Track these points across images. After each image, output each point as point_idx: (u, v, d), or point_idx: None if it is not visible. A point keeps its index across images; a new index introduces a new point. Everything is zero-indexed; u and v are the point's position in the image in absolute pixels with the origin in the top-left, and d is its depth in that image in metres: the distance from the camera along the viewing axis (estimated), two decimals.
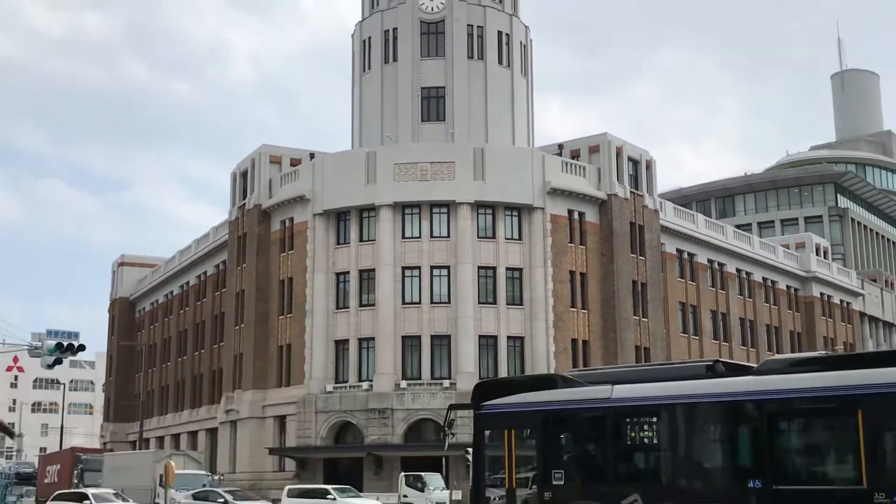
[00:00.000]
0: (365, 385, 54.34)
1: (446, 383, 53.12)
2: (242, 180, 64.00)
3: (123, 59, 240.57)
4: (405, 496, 45.58)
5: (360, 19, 66.36)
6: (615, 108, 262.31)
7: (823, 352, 22.47)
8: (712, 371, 17.66)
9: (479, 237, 55.46)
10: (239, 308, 62.62)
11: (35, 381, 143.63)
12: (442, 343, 54.54)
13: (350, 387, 54.88)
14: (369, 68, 64.13)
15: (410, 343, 54.69)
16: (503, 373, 53.07)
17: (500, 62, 63.27)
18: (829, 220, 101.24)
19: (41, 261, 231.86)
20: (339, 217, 57.51)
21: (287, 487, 46.60)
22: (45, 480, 65.37)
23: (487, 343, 54.71)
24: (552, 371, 50.80)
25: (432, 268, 55.20)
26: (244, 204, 62.79)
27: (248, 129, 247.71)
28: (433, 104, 61.77)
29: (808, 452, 16.40)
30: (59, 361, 39.53)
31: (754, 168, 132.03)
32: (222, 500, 44.17)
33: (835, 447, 16.07)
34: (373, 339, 54.86)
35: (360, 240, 56.44)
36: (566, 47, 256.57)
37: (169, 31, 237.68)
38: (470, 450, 19.71)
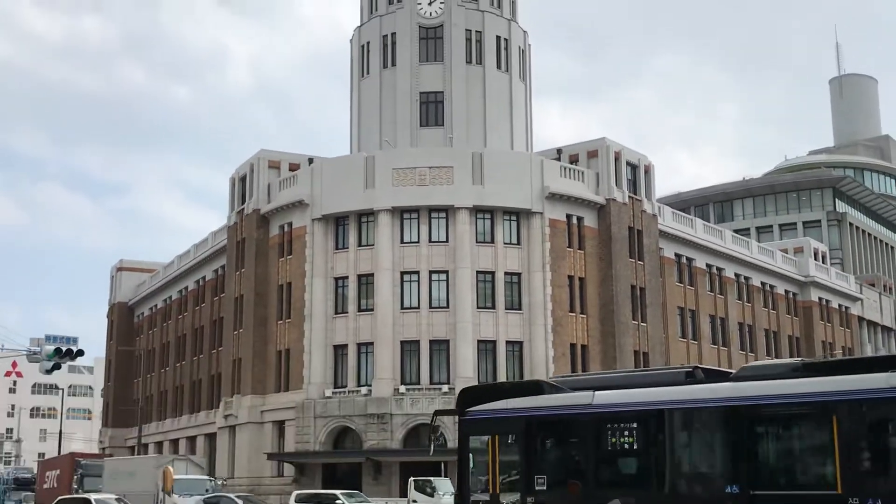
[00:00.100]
0: (364, 390, 54.33)
1: (445, 388, 53.08)
2: (241, 185, 64.03)
3: (122, 64, 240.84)
4: (415, 501, 45.47)
5: (359, 24, 66.43)
6: (614, 113, 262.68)
7: (799, 359, 22.84)
8: (691, 377, 17.92)
9: (477, 242, 55.48)
10: (238, 313, 62.61)
11: (34, 386, 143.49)
12: (441, 348, 54.53)
13: (349, 392, 54.87)
14: (368, 73, 64.20)
15: (409, 348, 54.68)
16: (502, 377, 53.08)
17: (499, 67, 63.35)
18: (828, 225, 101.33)
19: (40, 265, 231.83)
20: (337, 222, 57.52)
21: (295, 492, 46.58)
22: (45, 486, 65.29)
23: (486, 348, 54.72)
24: (551, 376, 50.78)
25: (431, 272, 55.21)
26: (243, 209, 62.81)
27: (246, 134, 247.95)
28: (432, 109, 61.81)
29: (784, 458, 16.62)
30: (57, 366, 39.59)
31: (753, 173, 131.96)
32: None
33: (810, 452, 16.30)
34: (371, 343, 54.85)
35: (359, 244, 56.46)
36: (565, 52, 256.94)
37: (167, 36, 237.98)
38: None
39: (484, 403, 19.70)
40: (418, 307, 54.85)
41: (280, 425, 58.16)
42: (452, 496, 45.02)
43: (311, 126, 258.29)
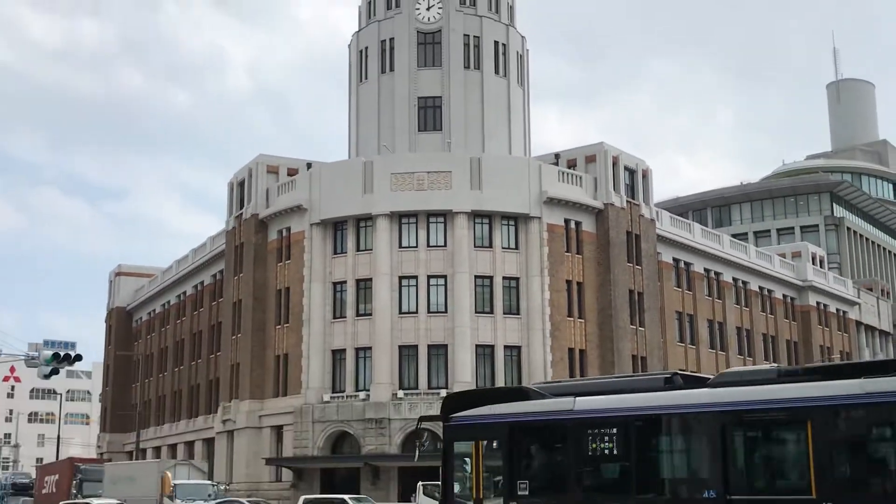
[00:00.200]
0: (362, 395, 54.33)
1: (443, 393, 52.98)
2: (239, 190, 64.06)
3: (120, 68, 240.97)
4: None
5: (357, 29, 66.52)
6: (612, 118, 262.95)
7: (776, 364, 23.20)
8: (670, 383, 18.13)
9: (475, 246, 55.52)
10: (236, 318, 62.62)
11: (31, 391, 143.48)
12: (439, 352, 54.55)
13: (347, 396, 54.87)
14: (366, 78, 64.28)
15: (407, 352, 54.70)
16: (500, 382, 53.07)
17: (497, 72, 63.43)
18: (825, 230, 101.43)
19: (37, 270, 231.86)
20: (335, 227, 57.56)
21: (303, 497, 46.57)
22: (43, 491, 65.21)
23: (484, 352, 54.74)
24: (549, 380, 50.80)
25: (429, 277, 55.25)
26: (241, 213, 62.85)
27: (244, 138, 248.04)
28: (430, 114, 61.88)
29: (760, 463, 16.83)
30: (55, 371, 39.54)
31: (750, 177, 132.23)
32: None
33: (786, 458, 16.61)
34: (370, 348, 54.86)
35: (357, 249, 56.49)
36: (563, 57, 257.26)
37: (165, 41, 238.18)
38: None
39: (468, 409, 19.87)
40: (416, 312, 54.87)
41: (278, 430, 58.14)
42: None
43: (310, 131, 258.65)
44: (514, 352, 55.20)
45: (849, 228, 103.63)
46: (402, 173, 55.80)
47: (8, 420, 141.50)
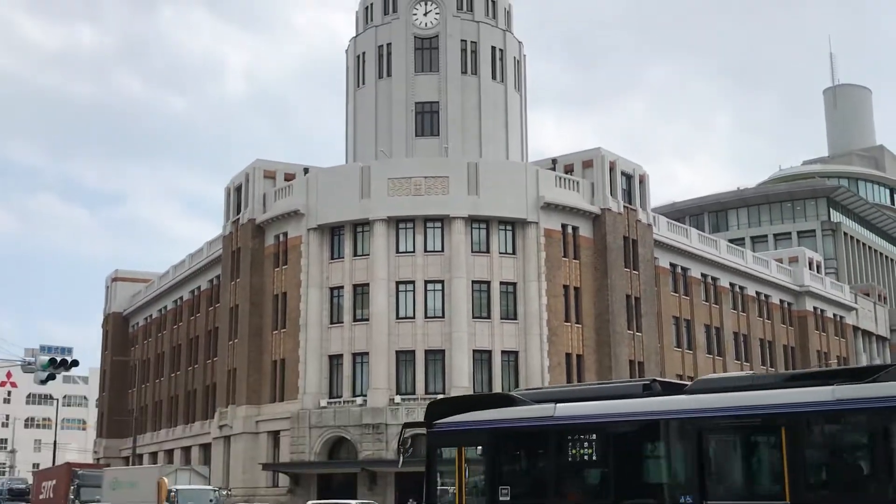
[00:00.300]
0: (359, 400, 54.27)
1: (440, 398, 52.95)
2: (236, 195, 64.04)
3: (118, 74, 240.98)
4: None
5: (354, 35, 66.56)
6: (609, 123, 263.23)
7: (751, 371, 23.49)
8: (648, 390, 18.36)
9: (472, 251, 55.51)
10: (233, 323, 62.55)
11: (28, 396, 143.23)
12: (436, 358, 54.51)
13: (344, 402, 54.81)
14: (363, 83, 64.31)
15: (404, 358, 54.65)
16: (497, 387, 53.03)
17: (494, 77, 63.48)
18: (822, 235, 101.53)
19: (34, 275, 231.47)
20: (333, 232, 57.55)
21: (309, 503, 46.49)
22: (41, 496, 65.10)
23: (482, 358, 54.70)
24: (546, 385, 50.81)
25: (426, 282, 55.22)
26: (238, 218, 62.81)
27: (242, 143, 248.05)
28: (427, 119, 61.91)
29: (735, 469, 17.09)
30: (52, 377, 39.41)
31: (747, 182, 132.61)
32: None
33: (760, 463, 16.80)
34: (367, 353, 54.81)
35: (355, 254, 56.46)
36: (560, 62, 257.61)
37: (163, 46, 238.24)
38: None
39: (451, 416, 20.08)
40: (414, 317, 54.84)
41: (275, 435, 58.04)
42: None
43: (307, 136, 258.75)
44: (511, 357, 55.17)
45: (846, 233, 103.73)
46: (399, 178, 55.80)
47: (4, 425, 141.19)
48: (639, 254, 61.06)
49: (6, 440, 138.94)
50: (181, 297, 78.41)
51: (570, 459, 18.47)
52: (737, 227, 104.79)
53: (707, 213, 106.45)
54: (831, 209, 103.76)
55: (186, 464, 65.97)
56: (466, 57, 62.72)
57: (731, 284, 74.55)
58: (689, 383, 18.91)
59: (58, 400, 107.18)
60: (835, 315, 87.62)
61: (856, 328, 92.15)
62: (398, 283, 55.33)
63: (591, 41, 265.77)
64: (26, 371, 40.65)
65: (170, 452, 75.61)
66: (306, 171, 60.58)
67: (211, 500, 47.45)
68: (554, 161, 61.56)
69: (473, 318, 54.78)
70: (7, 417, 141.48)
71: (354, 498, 50.79)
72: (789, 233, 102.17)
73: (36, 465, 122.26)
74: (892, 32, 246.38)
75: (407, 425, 22.37)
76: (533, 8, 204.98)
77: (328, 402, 55.16)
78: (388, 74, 62.85)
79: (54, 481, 63.53)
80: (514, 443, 19.50)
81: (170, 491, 47.57)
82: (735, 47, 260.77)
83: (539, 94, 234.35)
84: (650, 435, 17.91)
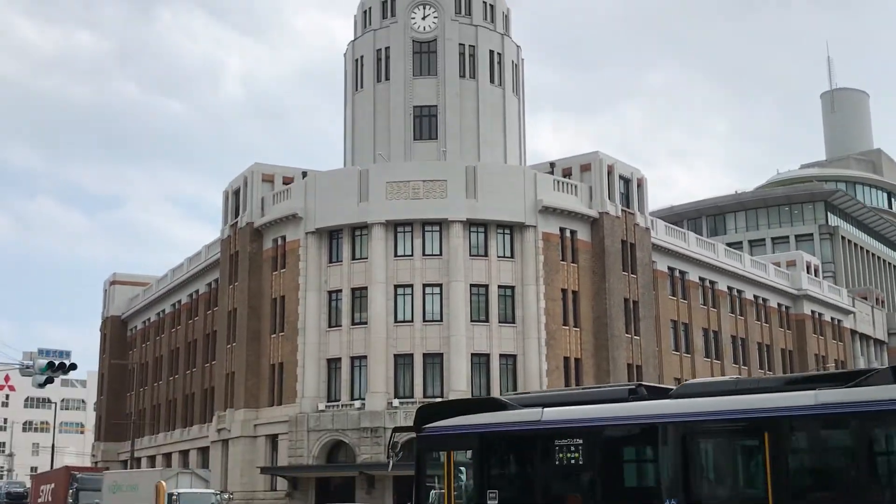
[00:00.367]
0: (357, 404, 54.26)
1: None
2: (235, 199, 64.04)
3: (115, 78, 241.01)
4: None
5: (353, 38, 66.63)
6: (607, 127, 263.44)
7: (736, 376, 23.75)
8: (634, 394, 18.63)
9: (471, 255, 55.53)
10: (231, 326, 62.54)
11: (26, 399, 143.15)
12: (434, 361, 54.51)
13: (342, 405, 54.79)
14: (362, 87, 64.36)
15: (403, 361, 54.65)
16: (496, 391, 53.05)
17: (492, 81, 63.55)
18: (820, 238, 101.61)
19: (32, 279, 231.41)
20: (331, 235, 57.56)
21: None
22: (39, 500, 65.06)
23: (480, 361, 54.70)
24: (544, 389, 50.82)
25: (424, 286, 55.23)
26: (236, 222, 62.82)
27: (240, 147, 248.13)
28: (425, 123, 61.96)
29: (719, 472, 17.34)
30: (50, 380, 39.41)
31: (745, 186, 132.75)
32: None
33: (743, 466, 17.06)
34: (365, 357, 54.80)
35: (353, 258, 56.46)
36: (558, 67, 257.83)
37: (161, 50, 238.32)
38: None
39: (440, 420, 20.32)
40: (412, 321, 54.85)
41: (273, 439, 58.03)
42: None
43: (305, 140, 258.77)
44: (509, 360, 55.18)
45: (843, 237, 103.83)
46: (397, 182, 55.83)
47: (2, 429, 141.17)
48: (637, 257, 61.11)
49: (4, 444, 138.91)
50: (179, 301, 78.39)
51: (557, 463, 18.57)
52: (735, 230, 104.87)
53: (705, 217, 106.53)
54: (829, 213, 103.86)
55: (185, 467, 65.92)
56: (465, 61, 62.79)
57: (729, 288, 74.61)
58: (673, 388, 19.14)
59: (56, 403, 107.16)
60: (832, 318, 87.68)
61: (853, 332, 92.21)
62: (396, 286, 55.33)
63: (590, 46, 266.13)
64: (24, 374, 40.64)
65: (168, 456, 75.56)
66: (304, 174, 60.58)
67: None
68: (552, 165, 61.60)
69: (471, 321, 54.80)
70: (5, 421, 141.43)
71: (353, 501, 50.83)
72: (787, 236, 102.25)
73: (34, 469, 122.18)
74: (889, 37, 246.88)
75: (397, 429, 22.83)
76: (531, 12, 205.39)
77: (326, 406, 55.15)
78: (387, 78, 62.92)
79: (53, 485, 63.51)
80: (501, 447, 19.70)
81: (171, 494, 47.51)
82: (733, 52, 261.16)
83: (537, 98, 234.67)
84: (636, 439, 18.15)
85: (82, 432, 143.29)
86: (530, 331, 55.26)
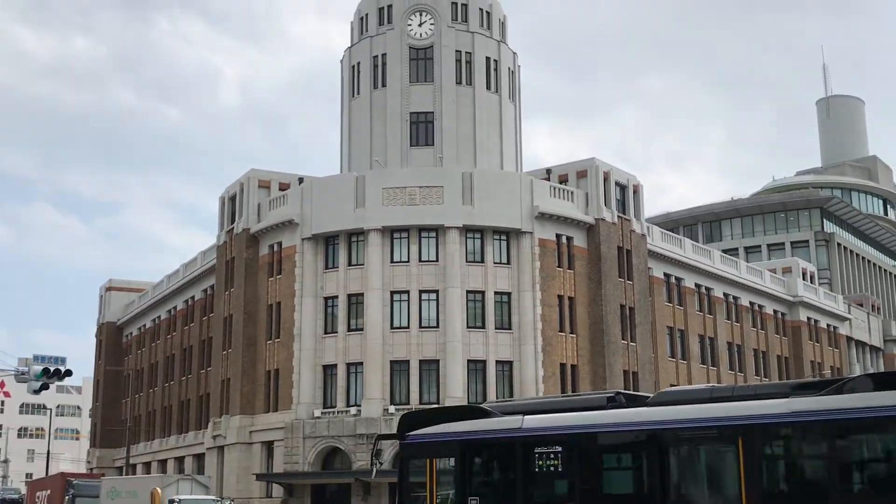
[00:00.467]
0: (353, 410, 54.19)
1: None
2: (231, 205, 64.02)
3: (112, 84, 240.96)
4: None
5: (350, 45, 66.68)
6: (603, 134, 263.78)
7: (711, 384, 24.04)
8: (613, 402, 18.89)
9: (467, 261, 55.53)
10: (227, 333, 62.46)
11: (21, 406, 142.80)
12: (430, 368, 54.46)
13: (338, 412, 54.72)
14: (358, 93, 64.41)
15: (399, 368, 54.60)
16: (492, 397, 53.02)
17: (489, 88, 63.63)
18: (816, 245, 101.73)
19: (28, 285, 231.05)
20: (327, 241, 57.54)
21: None
22: None
23: (476, 367, 54.66)
24: (540, 395, 50.80)
25: (421, 292, 55.22)
26: (232, 228, 62.78)
27: (236, 153, 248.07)
28: (422, 129, 61.99)
29: (695, 478, 17.57)
30: (45, 387, 39.37)
31: (741, 193, 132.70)
32: None
33: (718, 473, 17.30)
34: (361, 363, 54.74)
35: (349, 264, 56.45)
36: (554, 73, 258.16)
37: (157, 57, 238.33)
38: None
39: (424, 428, 20.49)
40: (408, 327, 54.82)
41: (269, 446, 57.93)
42: None
43: (302, 146, 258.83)
44: (505, 367, 55.14)
45: (839, 244, 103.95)
46: (393, 188, 55.84)
47: None
48: (633, 264, 61.14)
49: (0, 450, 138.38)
50: (175, 307, 78.28)
51: (537, 470, 18.78)
52: (730, 237, 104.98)
53: (701, 224, 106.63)
54: (824, 220, 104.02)
55: (180, 473, 65.74)
56: (461, 67, 62.87)
57: (725, 295, 74.65)
58: (650, 396, 19.43)
59: (51, 410, 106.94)
60: (828, 325, 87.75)
61: (849, 338, 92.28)
62: (392, 292, 55.31)
63: (586, 52, 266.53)
64: (20, 381, 40.60)
65: (163, 462, 75.40)
66: (301, 180, 60.59)
67: None
68: (548, 171, 61.65)
69: (468, 327, 54.77)
70: (0, 427, 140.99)
71: None
72: (783, 243, 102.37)
73: (29, 476, 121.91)
74: (884, 44, 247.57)
75: (380, 437, 23.12)
76: (527, 19, 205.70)
77: (322, 413, 55.07)
78: (383, 85, 62.98)
79: (49, 491, 63.35)
80: (482, 454, 19.94)
81: (172, 501, 47.40)
82: (729, 58, 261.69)
83: (533, 105, 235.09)
84: (614, 446, 18.41)
85: (77, 439, 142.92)
86: (527, 337, 55.24)
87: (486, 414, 19.96)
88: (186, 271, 76.39)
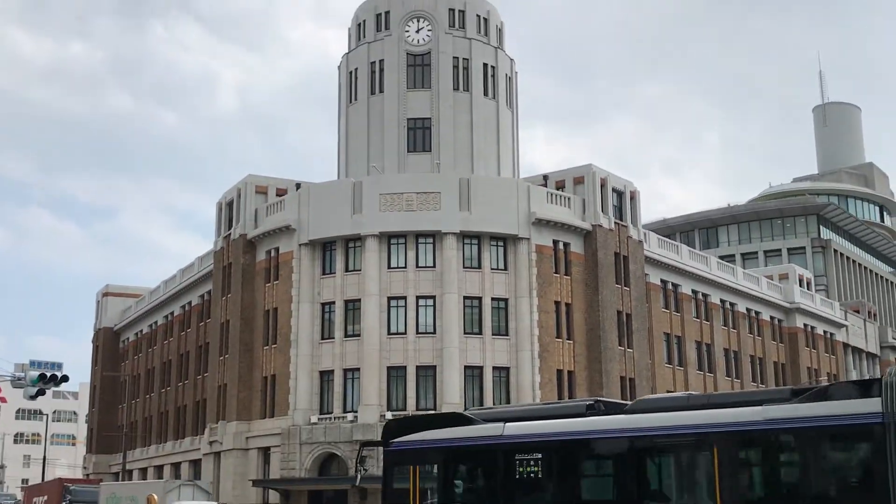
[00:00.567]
0: (350, 416, 54.16)
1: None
2: (228, 210, 64.01)
3: (109, 89, 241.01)
4: None
5: (347, 51, 66.77)
6: (600, 140, 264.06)
7: (689, 392, 24.34)
8: (592, 409, 19.23)
9: (464, 267, 55.55)
10: (223, 338, 62.42)
11: (18, 411, 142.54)
12: (427, 373, 54.45)
13: (335, 418, 54.68)
14: (356, 99, 64.48)
15: (396, 374, 54.58)
16: (489, 403, 52.99)
17: (486, 94, 63.72)
18: (812, 252, 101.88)
19: (25, 290, 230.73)
20: (324, 247, 57.53)
21: None
22: None
23: (473, 373, 54.66)
24: (537, 402, 50.79)
25: (418, 298, 55.22)
26: (229, 234, 62.76)
27: (234, 159, 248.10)
28: (419, 135, 62.05)
29: (671, 484, 17.87)
30: (41, 392, 39.32)
31: (737, 199, 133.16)
32: None
33: (694, 479, 17.57)
34: (358, 369, 54.72)
35: (346, 270, 56.44)
36: (551, 79, 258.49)
37: (155, 62, 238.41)
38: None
39: (407, 435, 20.79)
40: (405, 333, 54.81)
41: (265, 452, 57.87)
42: None
43: (299, 151, 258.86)
44: (502, 373, 55.14)
45: (835, 251, 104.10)
46: (391, 194, 55.87)
47: None
48: (630, 270, 61.18)
49: None
50: (172, 313, 78.22)
51: (518, 477, 18.99)
52: (727, 243, 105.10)
53: (697, 230, 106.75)
54: (821, 226, 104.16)
55: (176, 479, 65.62)
56: (458, 74, 62.97)
57: (722, 301, 74.71)
58: (629, 403, 19.74)
59: (47, 415, 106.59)
60: (825, 332, 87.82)
61: (846, 345, 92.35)
62: (390, 298, 55.31)
63: (583, 59, 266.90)
64: (16, 386, 40.55)
65: (159, 468, 75.29)
66: (298, 186, 60.60)
67: None
68: (545, 177, 61.71)
69: (465, 333, 54.78)
70: None
71: None
72: (779, 250, 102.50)
73: (25, 481, 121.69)
74: (880, 51, 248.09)
75: (364, 444, 23.66)
76: (525, 26, 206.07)
77: (319, 418, 55.03)
78: (381, 90, 63.05)
79: (45, 497, 63.24)
80: (464, 461, 20.22)
81: None
82: (725, 65, 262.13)
83: (531, 111, 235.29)
84: (591, 453, 18.67)
85: (74, 444, 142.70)
86: (523, 343, 55.24)
87: (468, 421, 20.16)
88: (183, 277, 76.36)
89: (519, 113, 67.23)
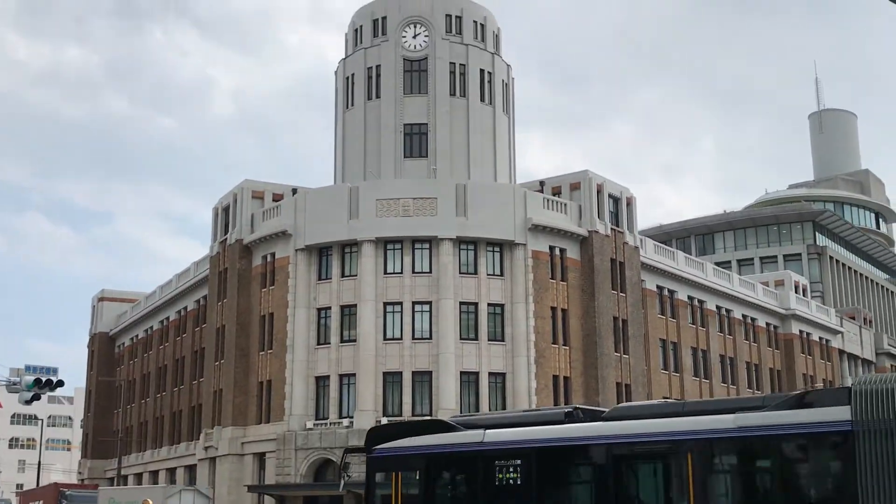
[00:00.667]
0: (345, 422, 54.11)
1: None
2: (224, 215, 63.98)
3: (105, 93, 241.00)
4: None
5: (344, 56, 66.85)
6: (596, 146, 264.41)
7: (668, 398, 24.70)
8: (570, 417, 19.43)
9: (460, 273, 55.56)
10: (219, 343, 62.35)
11: (13, 416, 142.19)
12: (423, 379, 54.42)
13: (330, 423, 54.62)
14: (352, 105, 64.54)
15: (392, 379, 54.55)
16: (485, 409, 52.98)
17: (483, 100, 63.80)
18: (808, 258, 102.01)
19: (20, 294, 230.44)
20: (320, 252, 57.53)
21: None
22: None
23: (469, 379, 54.64)
24: (533, 407, 50.78)
25: (414, 303, 55.21)
26: (226, 239, 62.74)
27: (230, 164, 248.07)
28: (416, 140, 62.12)
29: (647, 491, 18.16)
30: (37, 397, 39.29)
31: (733, 206, 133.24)
32: None
33: (669, 486, 17.80)
34: (353, 375, 54.68)
35: (342, 275, 56.43)
36: (547, 85, 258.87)
37: (152, 67, 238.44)
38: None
39: (390, 441, 21.01)
40: (401, 338, 54.79)
41: (261, 457, 57.78)
42: None
43: (296, 157, 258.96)
44: (498, 379, 55.12)
45: (831, 257, 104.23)
46: (387, 199, 55.88)
47: None
48: (626, 276, 61.22)
49: None
50: (167, 318, 78.14)
51: (497, 483, 19.21)
52: (723, 250, 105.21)
53: (694, 236, 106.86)
54: (817, 233, 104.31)
55: (180, 484, 65.43)
56: (455, 79, 63.05)
57: (718, 307, 74.75)
58: (606, 411, 19.99)
59: (42, 420, 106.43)
60: (821, 338, 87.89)
61: (841, 351, 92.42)
62: (386, 304, 55.30)
63: (579, 64, 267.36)
64: (11, 391, 40.49)
65: (155, 474, 75.15)
66: (294, 191, 60.60)
67: None
68: (542, 183, 61.76)
69: (461, 339, 54.76)
70: None
71: None
72: (775, 256, 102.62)
73: (20, 486, 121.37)
74: (876, 58, 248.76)
75: (348, 450, 23.60)
76: (522, 31, 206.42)
77: (314, 424, 54.97)
78: (377, 96, 63.11)
79: (41, 502, 63.05)
80: (445, 468, 20.45)
81: None
82: (722, 71, 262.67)
83: (527, 117, 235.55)
84: (569, 460, 18.89)
85: (69, 449, 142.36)
86: (519, 349, 55.24)
87: (449, 428, 20.42)
88: (179, 282, 76.29)
89: (515, 118, 67.40)
